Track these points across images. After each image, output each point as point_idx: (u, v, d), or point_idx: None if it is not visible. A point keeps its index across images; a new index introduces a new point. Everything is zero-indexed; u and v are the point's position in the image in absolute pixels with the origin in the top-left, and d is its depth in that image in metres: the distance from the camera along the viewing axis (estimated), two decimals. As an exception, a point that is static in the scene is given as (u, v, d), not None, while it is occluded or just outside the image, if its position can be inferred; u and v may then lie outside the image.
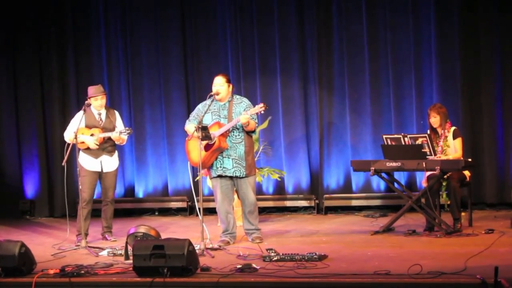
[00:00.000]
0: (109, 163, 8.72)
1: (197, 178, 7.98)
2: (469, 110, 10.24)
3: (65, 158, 8.28)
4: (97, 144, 8.54)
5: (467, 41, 10.24)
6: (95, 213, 9.01)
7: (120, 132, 8.54)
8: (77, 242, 8.34)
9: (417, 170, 8.33)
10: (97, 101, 8.62)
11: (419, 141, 8.24)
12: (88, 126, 8.62)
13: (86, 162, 8.62)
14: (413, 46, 10.39)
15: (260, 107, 7.85)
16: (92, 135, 8.56)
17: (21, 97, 11.79)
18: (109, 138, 8.64)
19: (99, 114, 8.70)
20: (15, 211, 11.69)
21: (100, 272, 6.47)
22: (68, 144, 8.34)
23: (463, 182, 8.51)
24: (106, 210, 8.77)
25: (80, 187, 8.38)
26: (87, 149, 8.58)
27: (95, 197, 8.90)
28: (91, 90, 8.67)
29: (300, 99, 10.89)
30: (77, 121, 8.53)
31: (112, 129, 8.68)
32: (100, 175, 8.71)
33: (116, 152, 8.85)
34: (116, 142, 8.70)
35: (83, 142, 8.55)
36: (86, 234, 8.38)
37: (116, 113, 8.91)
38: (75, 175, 8.99)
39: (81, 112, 8.56)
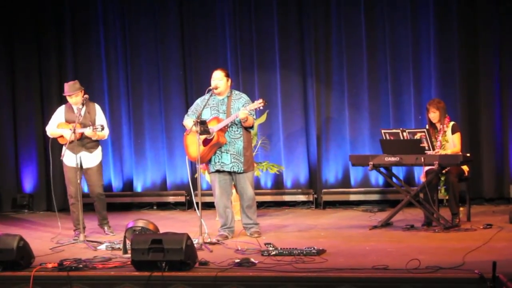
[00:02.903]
0: (89, 159, 8.59)
1: (196, 175, 7.96)
2: (467, 105, 10.25)
3: (63, 152, 8.27)
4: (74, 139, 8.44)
5: (466, 36, 10.24)
6: (91, 207, 9.00)
7: (94, 129, 8.35)
8: (75, 236, 8.34)
9: (415, 165, 8.33)
10: (71, 99, 8.53)
11: (417, 136, 8.23)
12: (68, 121, 8.53)
13: (66, 157, 8.45)
14: (412, 41, 10.39)
15: (259, 103, 7.84)
16: (70, 129, 8.45)
17: (19, 91, 11.78)
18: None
19: (79, 109, 8.59)
20: (13, 205, 11.70)
21: (98, 266, 6.47)
22: (51, 139, 8.35)
23: (462, 177, 8.51)
24: (96, 205, 8.71)
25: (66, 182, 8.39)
26: (68, 144, 8.36)
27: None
28: (65, 87, 8.58)
29: (298, 94, 10.89)
30: (58, 115, 8.54)
31: (90, 124, 8.55)
32: (84, 171, 8.65)
33: (99, 149, 8.68)
34: (93, 138, 8.55)
35: (62, 137, 8.50)
36: (84, 228, 8.33)
37: (97, 107, 8.73)
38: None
39: (62, 107, 8.55)
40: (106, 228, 8.74)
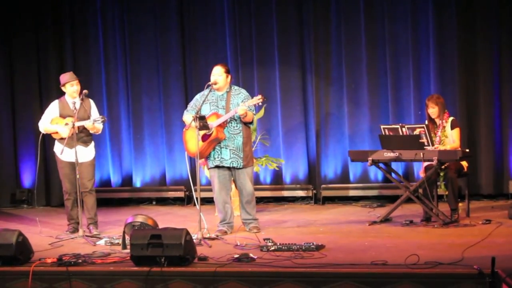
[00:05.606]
0: (84, 153, 8.51)
1: (199, 161, 7.92)
2: (466, 101, 10.25)
3: (62, 148, 8.24)
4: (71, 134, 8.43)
5: (465, 32, 10.24)
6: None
7: (94, 121, 8.34)
8: (66, 231, 8.43)
9: (414, 160, 8.33)
10: (73, 87, 8.46)
11: (417, 132, 8.23)
12: (63, 116, 8.46)
13: (61, 152, 8.40)
14: (411, 37, 10.39)
15: (258, 99, 7.84)
16: (66, 124, 8.38)
17: (18, 87, 11.77)
18: (84, 128, 8.46)
19: (74, 103, 8.48)
20: (13, 200, 11.70)
21: (97, 262, 6.47)
22: (43, 135, 8.31)
23: (461, 173, 8.51)
24: (86, 201, 8.54)
25: (61, 178, 8.36)
26: (62, 139, 8.38)
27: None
28: (66, 76, 8.53)
29: (298, 89, 10.89)
30: (51, 110, 8.48)
31: (87, 118, 8.43)
32: (78, 165, 8.61)
33: (93, 143, 8.66)
34: (91, 131, 8.50)
35: (57, 132, 8.47)
36: (78, 223, 8.32)
37: (91, 101, 8.70)
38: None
39: (56, 102, 8.52)
40: (91, 227, 8.51)
